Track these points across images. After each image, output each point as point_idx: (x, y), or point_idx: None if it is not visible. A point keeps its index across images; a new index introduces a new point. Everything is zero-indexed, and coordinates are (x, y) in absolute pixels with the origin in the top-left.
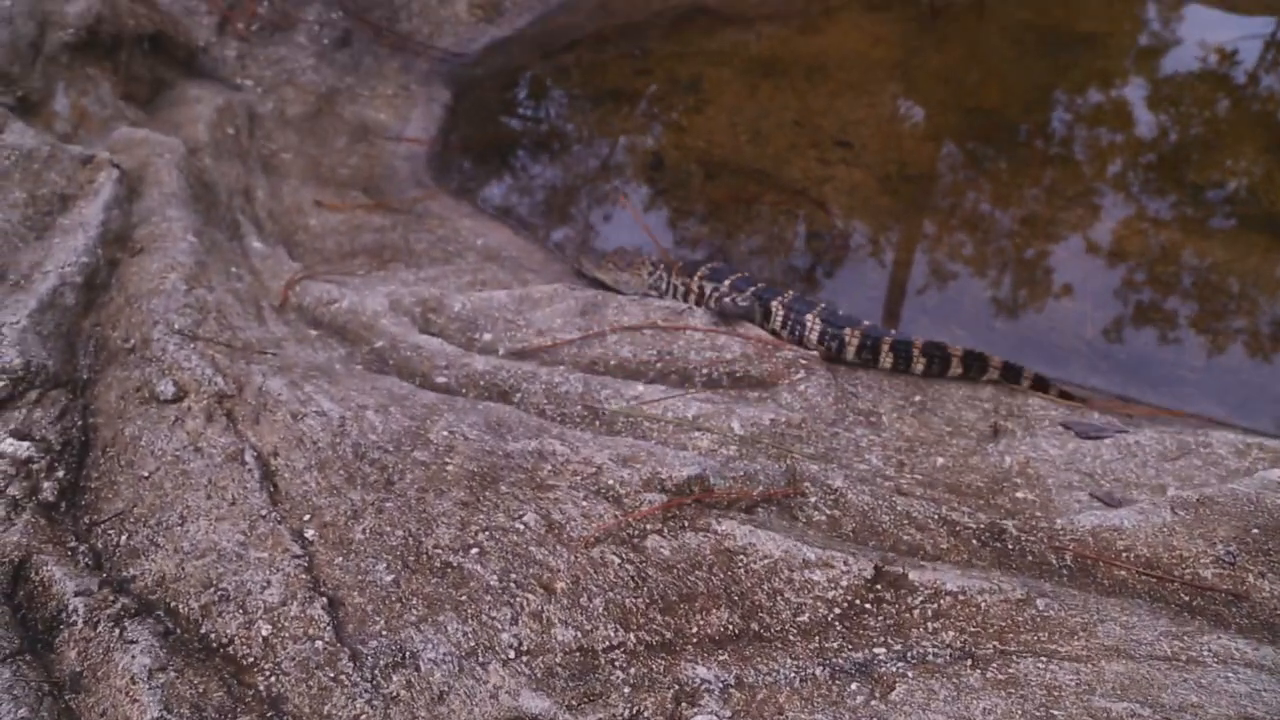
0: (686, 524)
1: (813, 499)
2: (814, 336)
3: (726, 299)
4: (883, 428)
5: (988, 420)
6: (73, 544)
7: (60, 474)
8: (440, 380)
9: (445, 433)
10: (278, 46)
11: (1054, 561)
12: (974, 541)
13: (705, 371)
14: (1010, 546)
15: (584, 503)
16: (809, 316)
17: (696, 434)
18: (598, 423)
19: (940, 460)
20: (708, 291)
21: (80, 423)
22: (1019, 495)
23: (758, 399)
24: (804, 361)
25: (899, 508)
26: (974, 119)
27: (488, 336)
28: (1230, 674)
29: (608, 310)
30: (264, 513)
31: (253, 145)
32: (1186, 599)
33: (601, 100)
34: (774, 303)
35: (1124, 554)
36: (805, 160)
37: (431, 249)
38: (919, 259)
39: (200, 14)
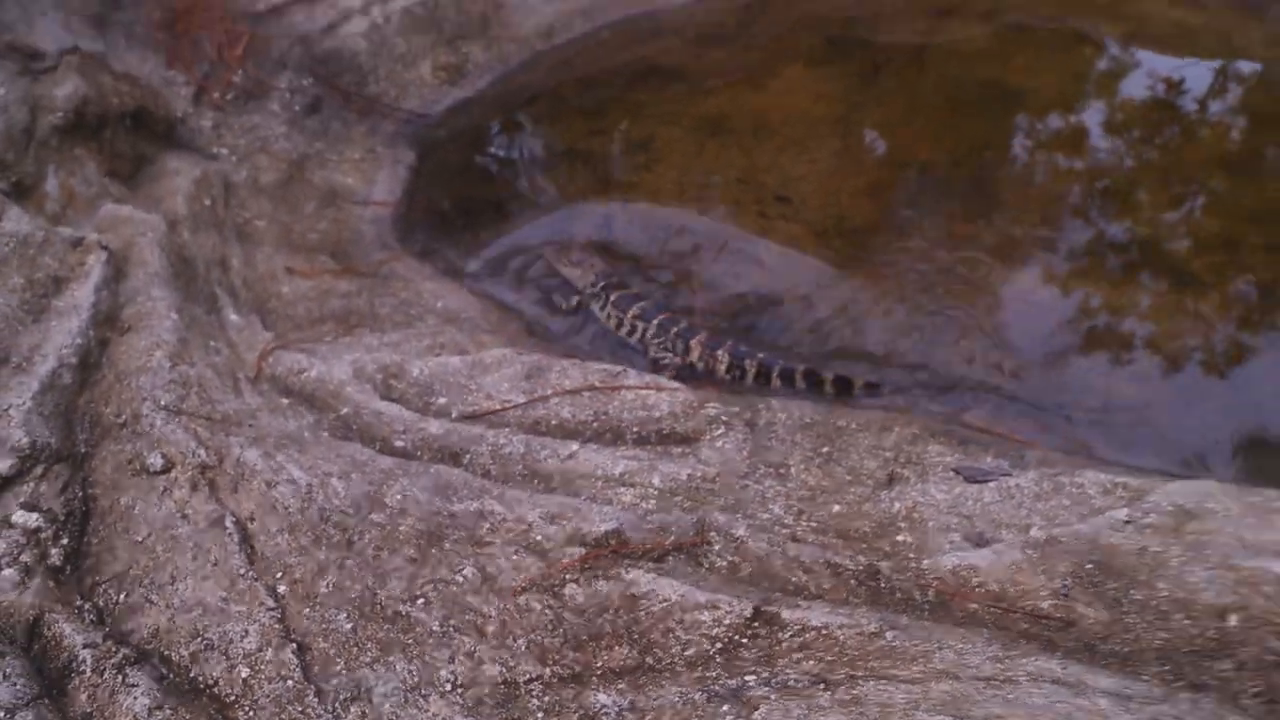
0: (600, 573)
1: (717, 547)
2: (723, 367)
3: (655, 343)
4: (789, 479)
5: (886, 469)
6: (79, 603)
7: (65, 541)
8: (398, 444)
9: (399, 496)
10: (251, 115)
11: (918, 597)
12: (852, 582)
13: (636, 430)
14: (883, 585)
15: (514, 557)
16: (720, 351)
17: (622, 489)
18: (536, 480)
19: (836, 508)
20: (639, 330)
21: (81, 494)
22: (899, 538)
23: (680, 454)
24: (725, 419)
25: (790, 553)
26: (910, 173)
27: (442, 400)
28: (1035, 689)
29: (551, 374)
30: (242, 571)
31: (228, 215)
32: (1025, 627)
33: (558, 159)
34: (693, 341)
35: (977, 589)
36: (748, 215)
37: (394, 313)
38: (850, 306)
39: (178, 84)
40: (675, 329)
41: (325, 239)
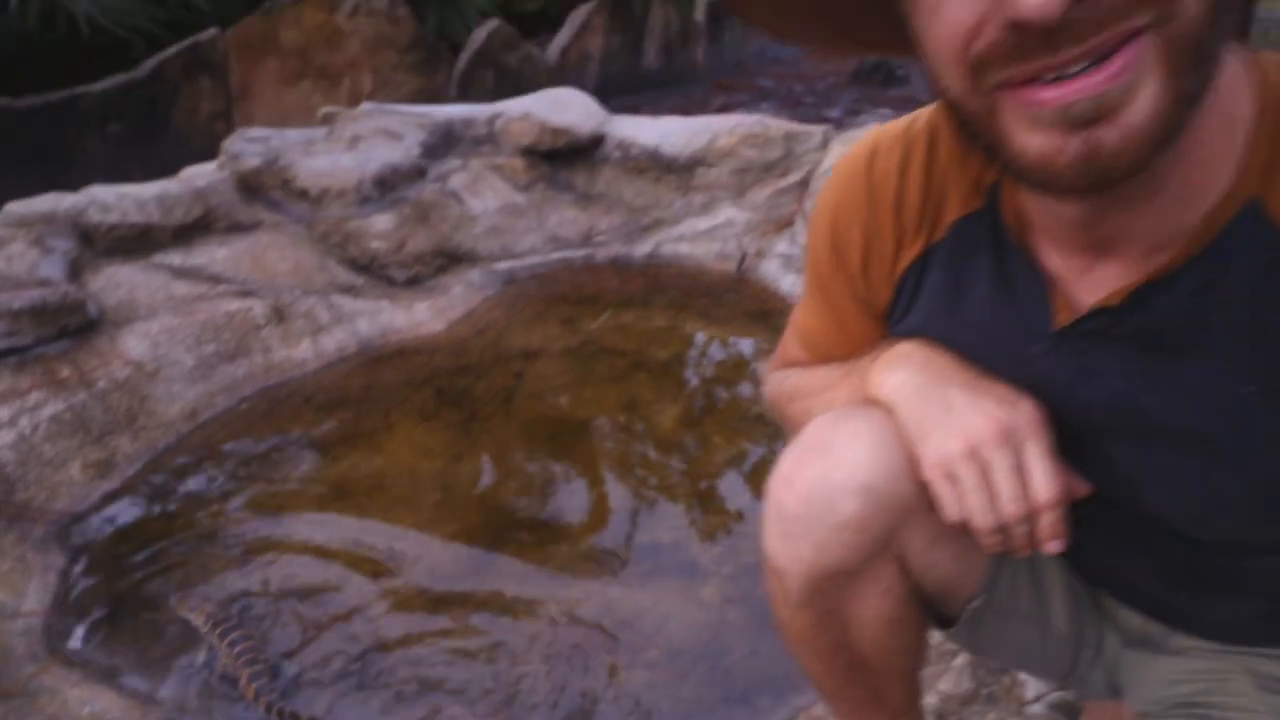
0: None
1: None
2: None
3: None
4: None
5: None
6: None
7: None
8: None
9: None
10: None
11: None
12: None
13: None
14: None
15: None
16: (254, 686)
17: None
18: None
19: None
20: (232, 662)
21: None
22: None
23: None
24: None
25: None
26: (492, 515)
27: None
28: None
29: None
30: None
31: None
32: None
33: (198, 542)
34: (242, 674)
35: None
36: (360, 577)
37: None
38: (441, 643)
39: None
40: (242, 660)
41: None
